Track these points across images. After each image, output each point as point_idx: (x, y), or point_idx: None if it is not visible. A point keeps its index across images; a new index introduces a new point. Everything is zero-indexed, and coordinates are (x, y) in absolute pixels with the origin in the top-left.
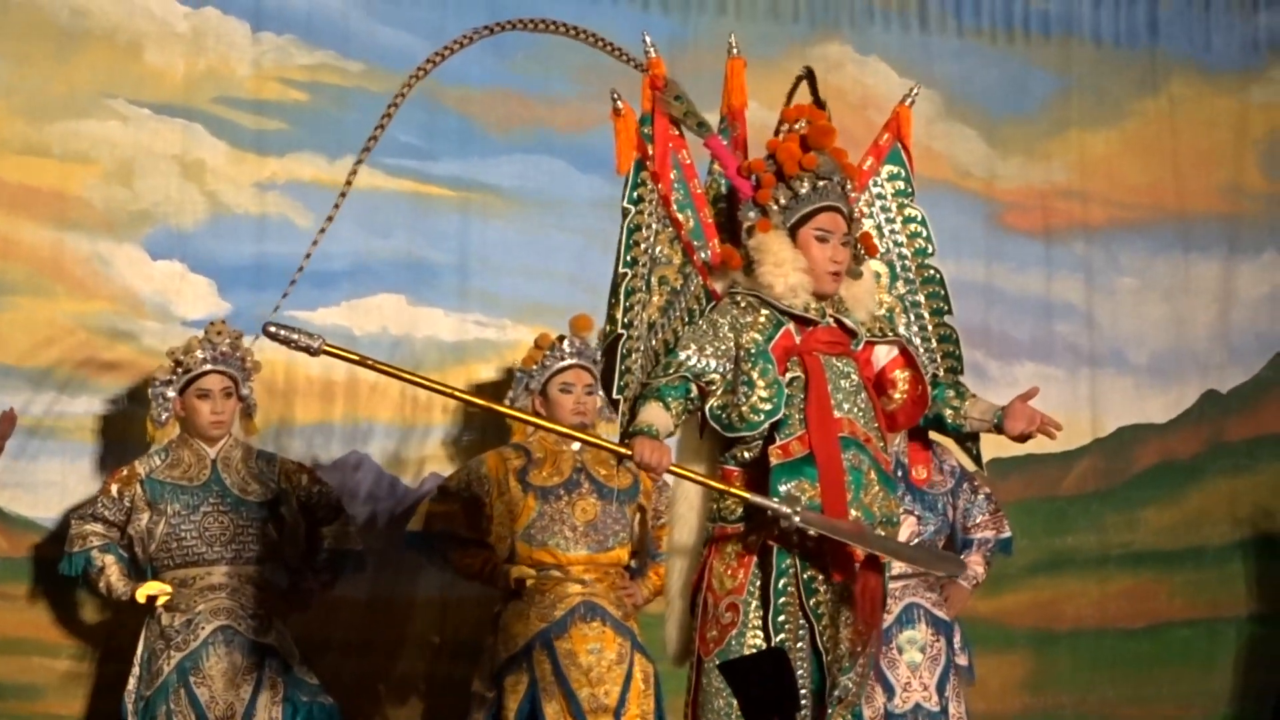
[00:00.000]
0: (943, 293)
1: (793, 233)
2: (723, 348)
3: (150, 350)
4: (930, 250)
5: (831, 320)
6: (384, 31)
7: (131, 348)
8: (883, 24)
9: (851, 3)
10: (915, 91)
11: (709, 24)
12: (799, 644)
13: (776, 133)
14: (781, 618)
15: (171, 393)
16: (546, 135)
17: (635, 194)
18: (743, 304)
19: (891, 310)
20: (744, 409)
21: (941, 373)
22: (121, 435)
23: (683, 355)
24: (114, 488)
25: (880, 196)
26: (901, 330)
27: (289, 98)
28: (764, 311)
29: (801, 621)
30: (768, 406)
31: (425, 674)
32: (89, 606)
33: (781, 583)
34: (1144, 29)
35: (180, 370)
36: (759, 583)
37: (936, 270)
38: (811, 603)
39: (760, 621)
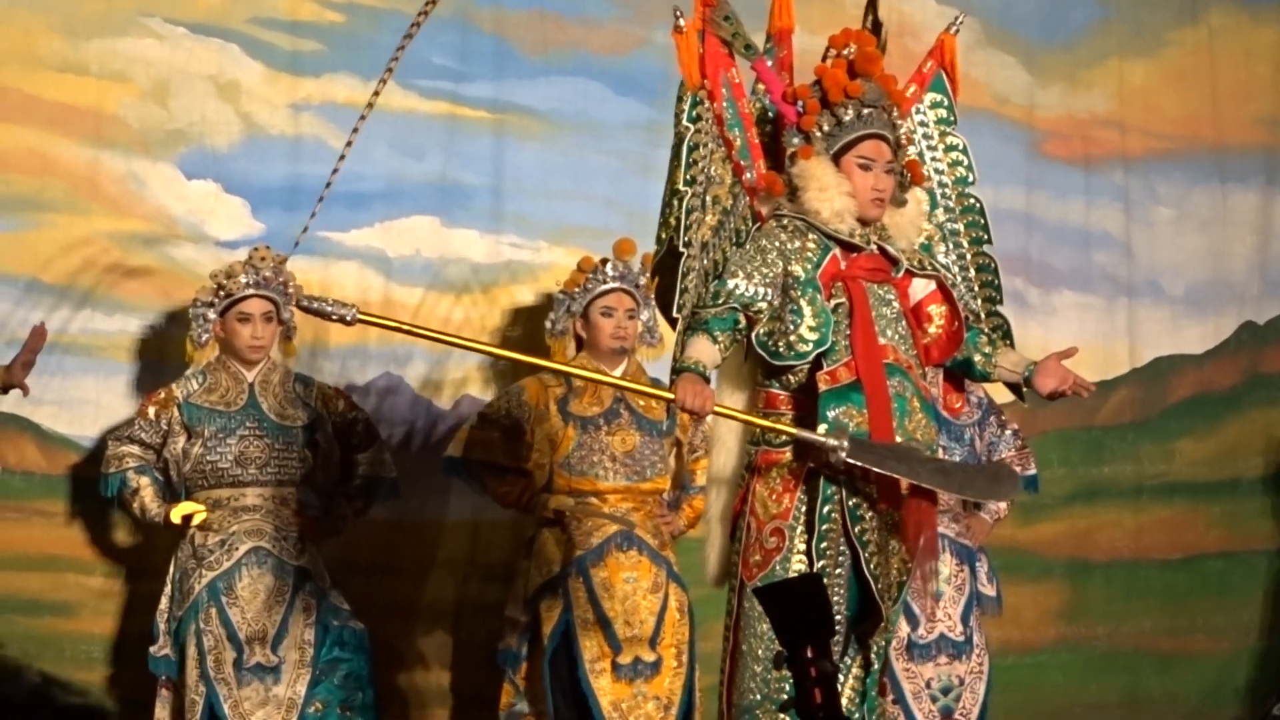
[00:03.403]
0: (982, 221)
1: (836, 159)
2: (770, 274)
3: (184, 269)
4: (971, 179)
5: (875, 247)
6: None
7: (166, 266)
8: None
9: None
10: (960, 20)
11: None
12: (838, 570)
13: (824, 58)
14: (824, 544)
15: (212, 315)
16: (583, 57)
17: (695, 112)
18: (790, 229)
19: (930, 239)
20: (791, 338)
21: (979, 302)
22: (157, 355)
23: (731, 284)
24: (151, 410)
25: (923, 124)
26: (940, 259)
27: (325, 19)
28: (811, 236)
29: (843, 548)
30: (815, 336)
31: (455, 597)
32: (124, 526)
33: (826, 509)
34: None
35: (222, 293)
36: (804, 508)
37: (977, 199)
38: (856, 530)
39: (805, 547)
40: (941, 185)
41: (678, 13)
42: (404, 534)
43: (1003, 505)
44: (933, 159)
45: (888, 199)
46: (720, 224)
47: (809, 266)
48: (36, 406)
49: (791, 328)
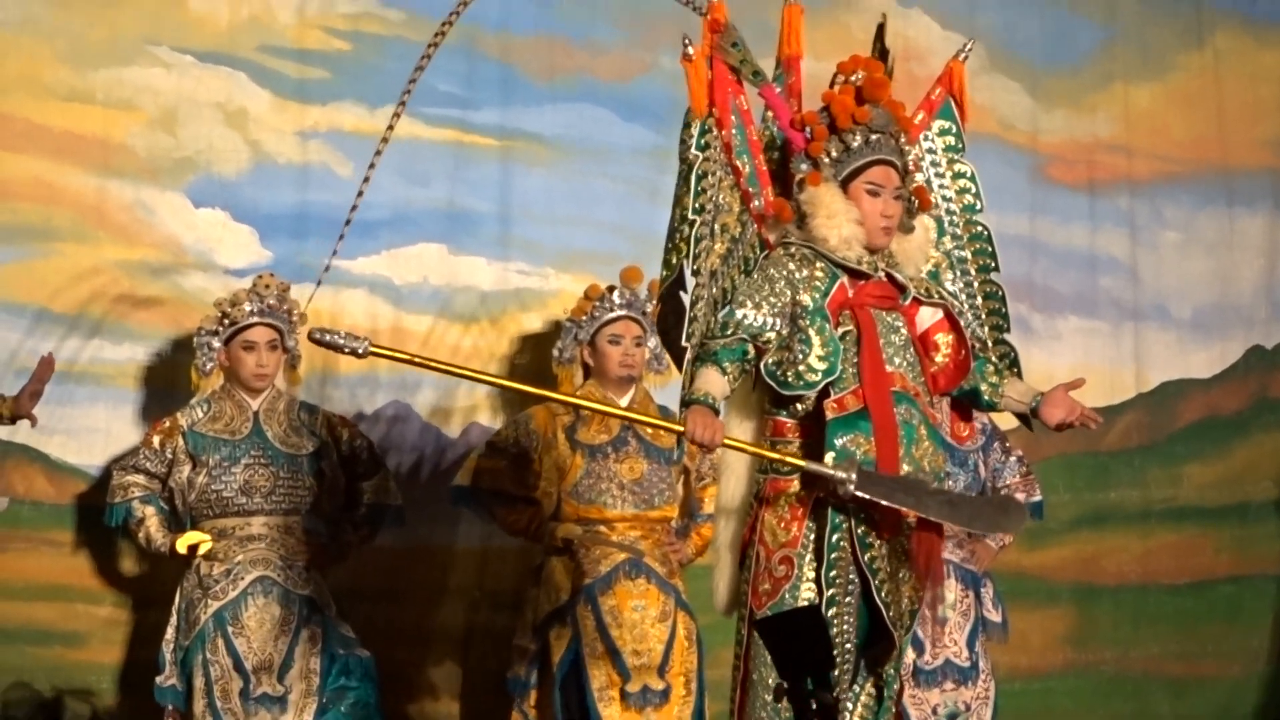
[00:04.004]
0: (990, 249)
1: (844, 186)
2: (779, 304)
3: (192, 297)
4: (979, 206)
5: (883, 274)
6: None
7: (174, 295)
8: None
9: None
10: (969, 47)
11: None
12: (847, 599)
13: (832, 84)
14: (833, 572)
15: (217, 343)
16: (590, 83)
17: (703, 140)
18: (798, 257)
19: (938, 266)
20: (800, 367)
21: (986, 330)
22: (165, 383)
23: (739, 314)
24: (156, 439)
25: (931, 151)
26: (948, 286)
27: (331, 46)
28: (819, 264)
29: (852, 576)
30: (824, 365)
31: (464, 625)
32: (131, 554)
33: (835, 537)
34: None
35: (226, 321)
36: (813, 536)
37: (985, 227)
38: (866, 558)
39: (814, 575)
40: (949, 213)
41: (687, 40)
42: (413, 561)
43: None
44: (940, 186)
45: (896, 225)
46: (729, 252)
47: (817, 295)
48: (46, 436)
49: (800, 357)
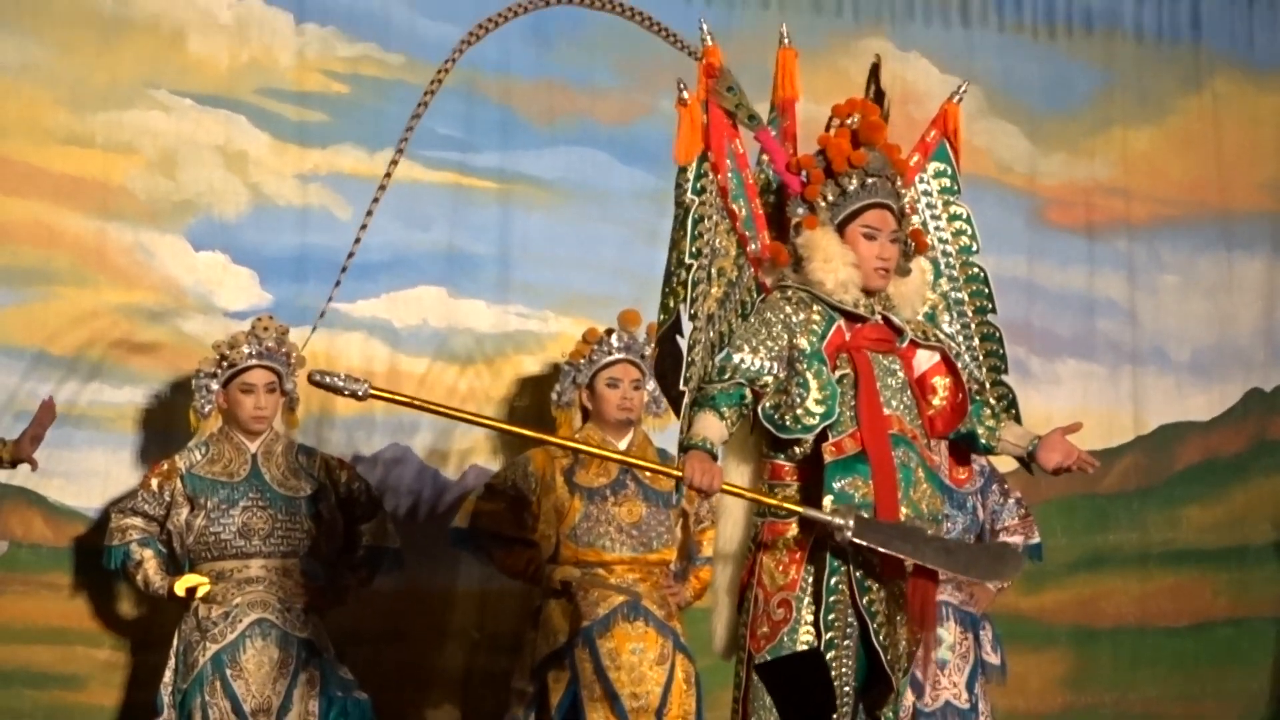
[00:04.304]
0: (987, 290)
1: (840, 229)
2: (776, 348)
3: (192, 340)
4: (975, 248)
5: (879, 317)
6: (424, 24)
7: (173, 338)
8: (924, 19)
9: None
10: (964, 89)
11: (752, 16)
12: (846, 642)
13: (828, 127)
14: (832, 615)
15: (215, 385)
16: (589, 126)
17: (699, 185)
18: (795, 300)
19: (935, 308)
20: (798, 411)
21: (984, 371)
22: (164, 425)
23: (736, 359)
24: (154, 482)
25: (926, 194)
26: (945, 328)
27: (330, 89)
28: (816, 308)
29: (851, 619)
30: (821, 409)
31: (464, 667)
32: (130, 597)
33: (834, 580)
34: (1187, 25)
35: (225, 364)
36: (811, 580)
37: (981, 269)
38: (865, 601)
39: (812, 618)
40: (945, 254)
41: (681, 85)
42: (412, 603)
43: None
44: (936, 228)
45: (892, 269)
46: (726, 296)
47: (814, 339)
48: (45, 479)
49: (797, 400)
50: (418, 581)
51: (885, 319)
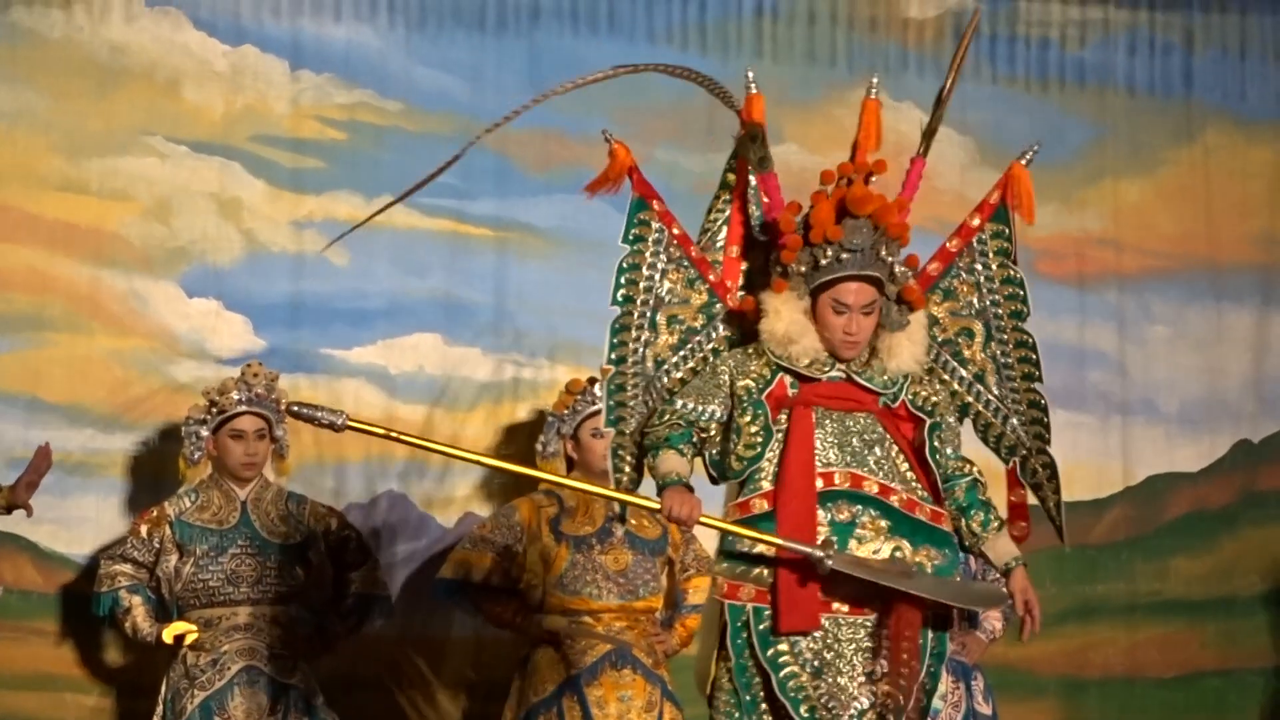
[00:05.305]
0: (1034, 358)
1: (814, 296)
2: (720, 395)
3: (186, 387)
4: (1025, 313)
5: (841, 375)
6: (421, 71)
7: (167, 385)
8: (917, 70)
9: (886, 49)
10: (1035, 149)
11: (747, 67)
12: (761, 704)
13: (836, 181)
14: (744, 678)
15: (205, 432)
16: (585, 175)
17: (632, 234)
18: (750, 350)
19: (983, 370)
20: (730, 458)
21: (1030, 438)
22: (155, 473)
23: (678, 404)
24: (143, 529)
25: (983, 255)
26: (994, 390)
27: (326, 136)
28: (764, 359)
29: (756, 678)
30: (750, 454)
31: (458, 715)
32: (118, 644)
33: (739, 641)
34: (1179, 79)
35: (215, 410)
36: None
37: (1030, 336)
38: (769, 654)
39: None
40: (997, 318)
41: (606, 134)
42: (406, 650)
43: (998, 624)
44: (990, 290)
45: (864, 340)
46: (683, 342)
47: (754, 386)
48: (35, 525)
49: (735, 443)
50: (412, 628)
51: (851, 379)
